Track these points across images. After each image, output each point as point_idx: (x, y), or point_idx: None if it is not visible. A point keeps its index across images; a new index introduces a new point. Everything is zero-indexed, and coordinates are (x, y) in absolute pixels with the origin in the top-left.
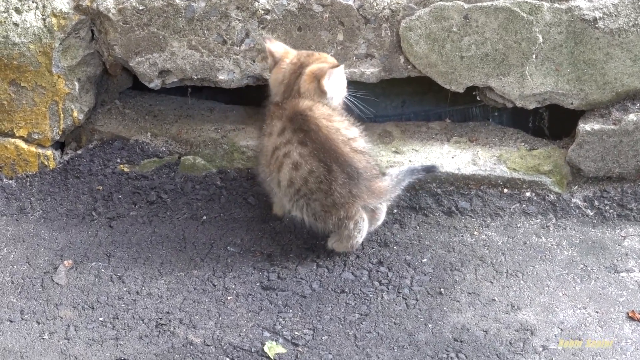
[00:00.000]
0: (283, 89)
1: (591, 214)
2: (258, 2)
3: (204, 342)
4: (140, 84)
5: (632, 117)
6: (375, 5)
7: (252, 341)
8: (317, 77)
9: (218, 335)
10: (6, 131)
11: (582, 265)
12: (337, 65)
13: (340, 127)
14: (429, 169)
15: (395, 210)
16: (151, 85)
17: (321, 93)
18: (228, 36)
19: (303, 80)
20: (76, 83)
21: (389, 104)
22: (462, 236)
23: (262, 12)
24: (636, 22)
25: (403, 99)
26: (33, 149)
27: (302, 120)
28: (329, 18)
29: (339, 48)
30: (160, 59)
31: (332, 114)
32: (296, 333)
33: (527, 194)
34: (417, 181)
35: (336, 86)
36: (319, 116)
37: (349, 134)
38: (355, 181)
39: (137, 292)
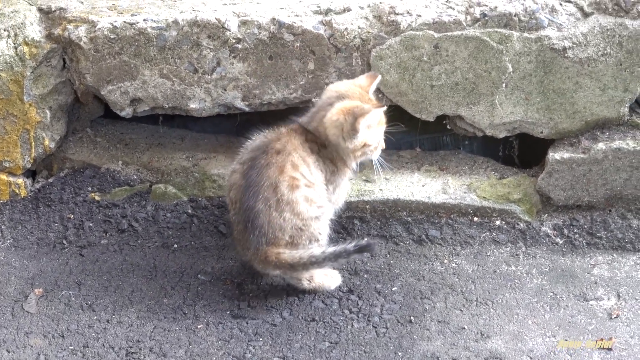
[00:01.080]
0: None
1: (561, 242)
2: (229, 30)
3: None
4: (111, 112)
5: (601, 146)
6: (346, 34)
7: None
8: (355, 115)
9: None
10: None
11: (551, 294)
12: (381, 106)
13: (291, 182)
14: (363, 249)
15: (366, 239)
16: (122, 114)
17: (352, 132)
18: (199, 65)
19: (331, 113)
20: (47, 111)
21: None
22: (432, 264)
23: (234, 40)
24: (605, 51)
25: None
26: (4, 177)
27: (264, 155)
28: (300, 47)
29: (310, 77)
30: (132, 88)
31: (299, 166)
32: None
33: (497, 223)
34: (387, 209)
35: (373, 133)
36: (281, 162)
37: (290, 196)
38: (247, 236)
39: (108, 321)
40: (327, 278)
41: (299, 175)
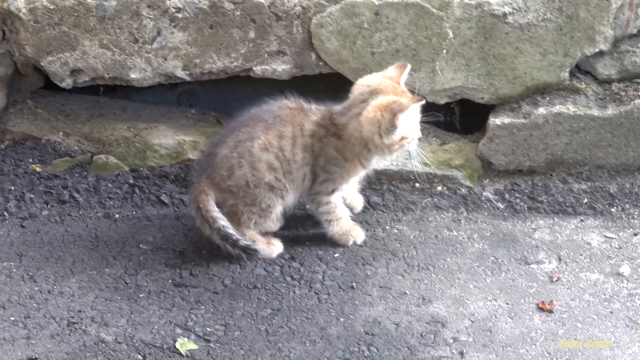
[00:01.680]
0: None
1: (502, 207)
2: (169, 0)
3: (116, 339)
4: (52, 83)
5: (541, 110)
6: (286, 2)
7: (164, 338)
8: (394, 111)
9: (130, 333)
10: None
11: (492, 258)
12: (419, 100)
13: (266, 144)
14: (248, 251)
15: (308, 206)
16: (63, 85)
17: (391, 128)
18: (140, 35)
19: (367, 111)
20: None
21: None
22: (374, 231)
23: (174, 10)
24: (545, 16)
25: (317, 96)
26: None
27: (268, 113)
28: (240, 16)
29: (250, 45)
30: (72, 58)
31: (284, 139)
32: (208, 329)
33: (439, 188)
34: None
35: (410, 125)
36: (271, 124)
37: (258, 153)
38: (203, 159)
39: (49, 291)
40: (268, 246)
41: (276, 144)
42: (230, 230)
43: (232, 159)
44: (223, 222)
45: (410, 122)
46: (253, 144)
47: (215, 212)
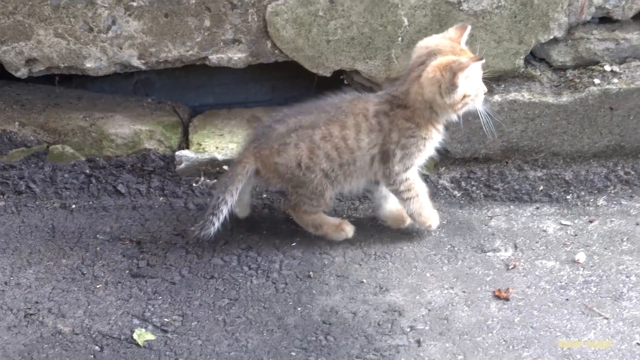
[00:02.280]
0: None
1: (458, 194)
2: None
3: (73, 331)
4: (7, 73)
5: (497, 98)
6: None
7: (121, 329)
8: (453, 70)
9: (87, 324)
10: None
11: (449, 246)
12: (480, 59)
13: (326, 134)
14: (204, 226)
15: (265, 195)
16: (18, 74)
17: (451, 87)
18: (94, 23)
19: (426, 72)
20: None
21: (259, 90)
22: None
23: None
24: (500, 3)
25: (273, 84)
26: None
27: (332, 104)
28: (195, 4)
29: (206, 34)
30: (27, 48)
31: (347, 129)
32: (165, 320)
33: None
34: None
35: (471, 83)
36: (334, 117)
37: (317, 140)
38: (259, 128)
39: (6, 283)
40: (336, 229)
41: (338, 134)
42: (222, 207)
43: (288, 138)
44: (228, 196)
45: (471, 80)
46: (314, 132)
47: (233, 187)
